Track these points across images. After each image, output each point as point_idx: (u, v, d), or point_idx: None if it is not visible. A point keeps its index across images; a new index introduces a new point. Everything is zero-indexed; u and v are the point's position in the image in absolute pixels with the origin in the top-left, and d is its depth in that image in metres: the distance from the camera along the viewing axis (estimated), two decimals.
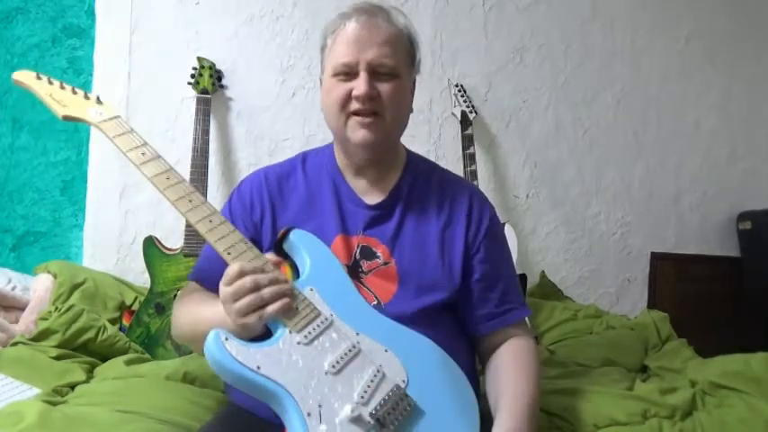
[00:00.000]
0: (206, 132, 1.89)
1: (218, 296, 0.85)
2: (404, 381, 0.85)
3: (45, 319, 1.48)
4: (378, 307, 0.99)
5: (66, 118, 0.94)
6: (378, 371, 0.84)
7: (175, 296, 1.68)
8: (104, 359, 1.48)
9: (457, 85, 2.16)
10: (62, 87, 0.97)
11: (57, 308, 1.52)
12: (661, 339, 1.66)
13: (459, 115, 2.13)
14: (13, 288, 1.65)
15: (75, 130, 2.04)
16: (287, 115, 2.12)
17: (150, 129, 2.03)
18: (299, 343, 0.82)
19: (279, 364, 0.79)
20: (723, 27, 2.40)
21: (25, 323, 1.57)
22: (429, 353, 0.92)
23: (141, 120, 2.03)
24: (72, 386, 1.29)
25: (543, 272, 2.21)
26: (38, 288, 1.67)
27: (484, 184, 2.13)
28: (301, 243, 0.95)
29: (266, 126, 2.11)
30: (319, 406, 0.78)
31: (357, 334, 0.87)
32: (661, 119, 2.38)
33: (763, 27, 2.44)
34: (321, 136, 2.08)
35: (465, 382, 0.92)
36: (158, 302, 1.71)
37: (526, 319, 1.13)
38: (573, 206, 2.32)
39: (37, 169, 2.03)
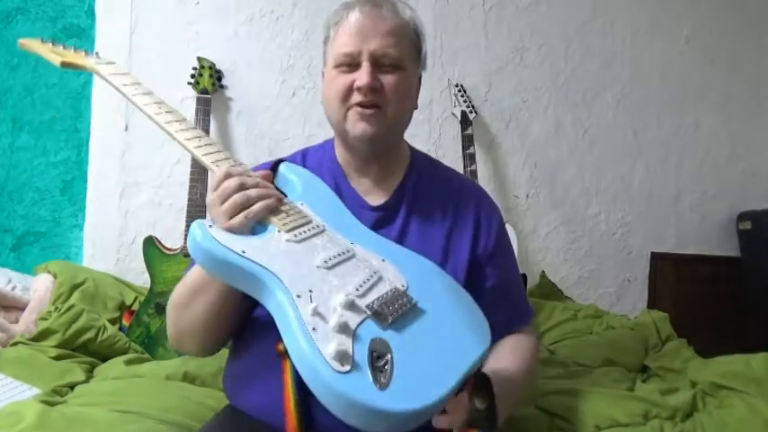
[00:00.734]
0: (206, 132, 1.89)
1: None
2: (403, 285, 0.82)
3: (45, 319, 1.48)
4: None
5: (65, 64, 0.98)
6: (375, 272, 0.81)
7: None
8: (104, 359, 1.48)
9: (457, 85, 2.16)
10: (64, 48, 1.03)
11: (57, 308, 1.52)
12: (661, 339, 1.66)
13: (459, 115, 2.13)
14: (13, 288, 1.65)
15: (75, 129, 2.04)
16: (287, 115, 2.12)
17: (150, 129, 2.02)
18: (287, 241, 0.79)
19: (266, 250, 0.76)
20: (723, 27, 2.40)
21: (25, 323, 1.57)
22: (431, 270, 0.89)
23: (141, 120, 2.02)
24: (72, 386, 1.29)
25: (543, 272, 2.21)
26: (38, 288, 1.67)
27: (484, 184, 2.13)
28: (292, 172, 0.95)
29: (266, 126, 2.11)
30: (310, 291, 0.73)
31: (351, 243, 0.85)
32: (661, 119, 2.38)
33: (763, 27, 2.44)
34: (321, 136, 2.06)
35: (474, 306, 0.88)
36: (158, 302, 1.71)
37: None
38: (573, 206, 2.32)
39: (37, 169, 2.03)
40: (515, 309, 1.06)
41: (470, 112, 2.12)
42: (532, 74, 2.28)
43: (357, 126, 0.97)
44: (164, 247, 1.79)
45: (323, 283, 0.75)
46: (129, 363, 1.43)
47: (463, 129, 2.10)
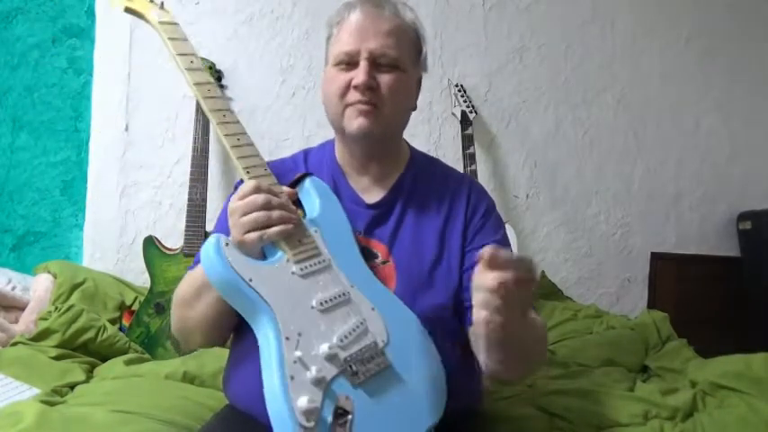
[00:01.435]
0: (206, 132, 1.89)
1: None
2: (383, 341, 0.85)
3: (45, 319, 1.48)
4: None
5: (128, 10, 1.02)
6: (362, 323, 0.84)
7: None
8: (104, 359, 1.48)
9: (457, 85, 2.16)
10: None
11: (57, 308, 1.52)
12: (661, 339, 1.66)
13: (459, 115, 2.13)
14: (13, 288, 1.65)
15: (75, 129, 2.04)
16: (287, 115, 2.12)
17: (150, 129, 2.03)
18: (293, 273, 0.83)
19: (271, 283, 0.80)
20: (723, 27, 2.40)
21: (25, 323, 1.57)
22: (412, 326, 0.91)
23: (141, 120, 2.03)
24: (72, 386, 1.29)
25: (543, 272, 2.21)
26: (38, 288, 1.67)
27: (484, 183, 2.11)
28: (315, 189, 0.96)
29: (266, 126, 2.11)
30: (299, 334, 0.78)
31: (351, 285, 0.87)
32: (661, 119, 2.38)
33: (764, 27, 2.44)
34: (321, 136, 2.06)
35: (441, 368, 0.90)
36: (158, 302, 1.71)
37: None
38: (573, 206, 2.32)
39: (37, 169, 2.03)
40: None
41: (470, 112, 2.12)
42: (532, 74, 2.28)
43: (354, 122, 0.97)
44: (164, 246, 1.79)
45: (313, 327, 0.80)
46: (129, 363, 1.43)
47: (463, 129, 2.10)
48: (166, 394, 1.22)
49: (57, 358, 1.38)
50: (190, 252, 1.76)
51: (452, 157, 2.13)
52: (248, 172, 0.87)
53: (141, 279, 1.91)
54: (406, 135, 1.11)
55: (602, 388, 1.26)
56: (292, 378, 0.74)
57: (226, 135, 0.89)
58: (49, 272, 1.73)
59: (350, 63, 0.97)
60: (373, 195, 1.04)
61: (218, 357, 1.33)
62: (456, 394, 0.90)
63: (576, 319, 1.87)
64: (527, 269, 0.71)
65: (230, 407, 0.99)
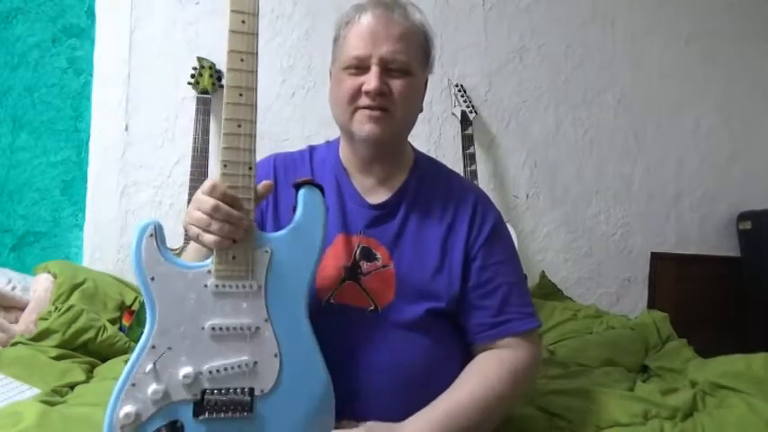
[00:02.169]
0: (206, 132, 1.89)
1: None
2: (262, 391, 0.80)
3: (45, 319, 1.48)
4: (373, 312, 0.97)
5: None
6: (249, 365, 0.79)
7: None
8: (104, 359, 1.48)
9: (457, 85, 2.16)
10: None
11: (57, 308, 1.51)
12: (661, 339, 1.66)
13: (459, 115, 2.13)
14: (13, 288, 1.65)
15: (75, 129, 2.04)
16: (287, 115, 2.12)
17: (150, 129, 2.03)
18: (205, 286, 0.79)
19: (170, 289, 0.78)
20: (723, 27, 2.41)
21: (25, 323, 1.57)
22: (314, 392, 0.83)
23: (141, 120, 2.03)
24: (72, 386, 1.28)
25: (543, 272, 2.21)
26: (38, 288, 1.67)
27: (484, 184, 2.13)
28: (304, 204, 0.87)
29: (266, 126, 2.11)
30: (168, 348, 0.77)
31: (266, 320, 0.81)
32: (661, 119, 2.38)
33: (764, 27, 2.44)
34: (321, 136, 2.07)
35: None
36: None
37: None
38: (573, 206, 2.32)
39: (37, 169, 2.03)
40: (503, 314, 0.99)
41: (470, 112, 2.12)
42: (532, 74, 2.28)
43: (364, 127, 0.97)
44: None
45: (189, 347, 0.78)
46: None
47: (463, 129, 2.10)
48: None
49: (57, 358, 1.38)
50: None
51: (452, 157, 2.13)
52: (225, 165, 0.81)
53: None
54: None
55: (602, 388, 1.26)
56: (133, 385, 0.75)
57: (227, 119, 0.81)
58: (49, 272, 1.73)
59: (360, 67, 0.97)
60: (377, 197, 1.04)
61: None
62: None
63: (575, 319, 1.87)
64: None
65: None
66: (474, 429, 0.90)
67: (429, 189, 1.06)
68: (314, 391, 0.83)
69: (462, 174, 2.00)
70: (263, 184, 0.86)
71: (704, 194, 2.41)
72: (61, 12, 2.03)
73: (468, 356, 1.02)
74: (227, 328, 0.79)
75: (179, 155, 2.02)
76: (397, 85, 0.97)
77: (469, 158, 2.05)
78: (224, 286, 0.80)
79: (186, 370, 0.77)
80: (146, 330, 0.77)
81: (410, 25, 0.99)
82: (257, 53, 0.83)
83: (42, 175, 2.04)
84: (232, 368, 0.79)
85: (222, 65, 2.04)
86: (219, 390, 0.78)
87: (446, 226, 1.02)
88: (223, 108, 0.82)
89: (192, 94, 1.97)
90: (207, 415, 0.77)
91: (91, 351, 1.48)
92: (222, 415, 0.78)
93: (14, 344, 1.43)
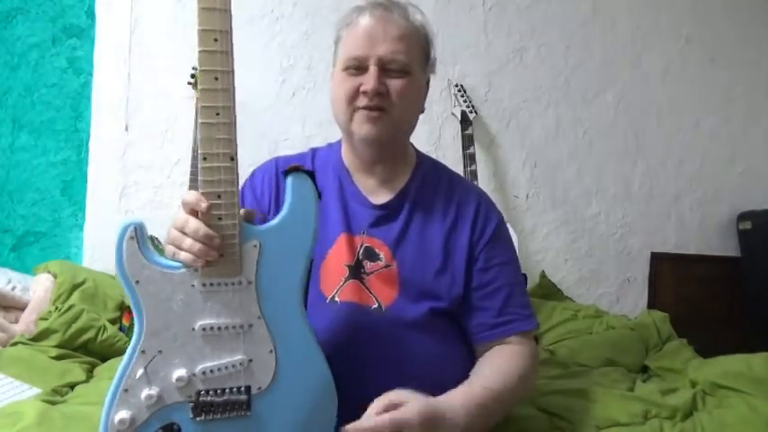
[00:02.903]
0: None
1: None
2: (260, 388, 0.78)
3: (45, 319, 1.48)
4: (377, 310, 0.97)
5: None
6: (243, 363, 0.77)
7: None
8: (104, 359, 1.48)
9: (457, 85, 2.16)
10: None
11: (57, 308, 1.52)
12: (661, 339, 1.66)
13: (459, 115, 2.13)
14: (13, 288, 1.65)
15: (75, 129, 2.04)
16: (287, 115, 2.12)
17: (150, 129, 2.03)
18: (193, 286, 0.76)
19: (157, 291, 0.75)
20: (723, 27, 2.40)
21: (25, 323, 1.56)
22: (314, 387, 0.81)
23: (141, 120, 2.03)
24: (72, 386, 1.28)
25: (543, 272, 2.21)
26: (38, 288, 1.67)
27: (484, 184, 2.13)
28: (292, 192, 0.81)
29: (266, 126, 2.11)
30: (159, 351, 0.75)
31: (259, 317, 0.78)
32: (661, 119, 2.38)
33: (764, 27, 2.44)
34: (321, 136, 2.08)
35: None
36: None
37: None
38: (573, 206, 2.32)
39: (37, 169, 2.03)
40: (504, 315, 1.00)
41: (470, 112, 2.12)
42: (532, 74, 2.28)
43: (363, 127, 0.98)
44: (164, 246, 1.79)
45: (181, 349, 0.76)
46: None
47: (463, 129, 2.10)
48: None
49: (57, 358, 1.38)
50: None
51: (452, 157, 2.13)
52: (205, 158, 0.76)
53: None
54: None
55: (602, 388, 1.26)
56: (126, 390, 0.74)
57: (204, 107, 0.75)
58: (49, 272, 1.73)
59: (359, 68, 0.97)
60: (379, 197, 1.05)
61: None
62: None
63: (576, 319, 1.87)
64: None
65: None
66: (494, 418, 0.91)
67: (432, 190, 1.07)
68: (314, 385, 0.81)
69: (462, 174, 2.00)
70: (246, 210, 0.83)
71: (704, 194, 2.41)
72: (61, 12, 2.03)
73: (470, 355, 1.03)
74: (219, 328, 0.77)
75: (179, 155, 2.02)
76: (395, 84, 0.97)
77: (469, 158, 2.05)
78: (212, 285, 0.77)
79: (179, 373, 0.75)
80: (134, 335, 0.75)
81: (409, 26, 1.00)
82: (231, 31, 0.77)
83: (42, 175, 2.04)
84: (226, 368, 0.77)
85: None
86: (215, 390, 0.76)
87: (448, 227, 1.03)
88: (199, 95, 0.77)
89: (191, 94, 1.97)
90: (204, 416, 0.76)
91: (91, 351, 1.48)
92: (220, 415, 0.77)
93: (14, 344, 1.43)
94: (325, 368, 0.82)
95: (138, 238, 0.75)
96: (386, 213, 1.03)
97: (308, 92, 2.12)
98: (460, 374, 0.95)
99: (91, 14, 2.04)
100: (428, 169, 1.10)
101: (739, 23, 2.42)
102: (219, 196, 0.77)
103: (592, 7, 2.32)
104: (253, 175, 1.11)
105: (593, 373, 1.44)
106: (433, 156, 1.20)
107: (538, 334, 1.85)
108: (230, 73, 0.77)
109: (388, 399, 0.79)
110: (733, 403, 1.16)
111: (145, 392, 0.74)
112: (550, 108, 2.29)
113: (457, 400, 0.85)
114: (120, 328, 1.67)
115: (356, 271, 0.99)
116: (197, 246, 0.75)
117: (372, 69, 0.96)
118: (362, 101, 0.97)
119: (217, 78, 0.76)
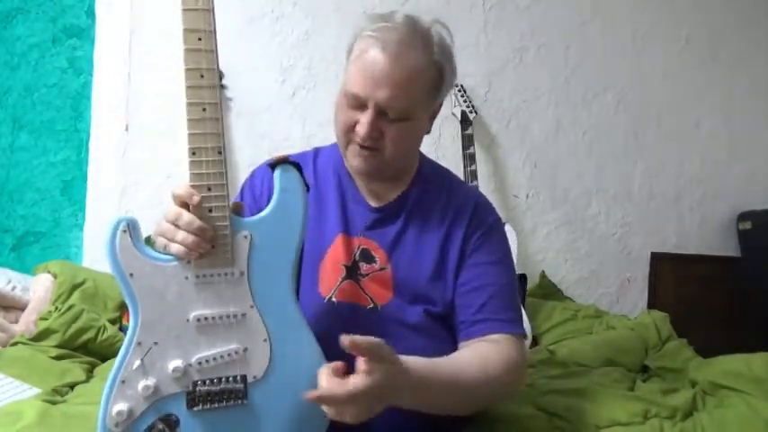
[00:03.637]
0: None
1: None
2: (255, 377, 0.80)
3: (45, 319, 1.48)
4: (373, 310, 0.98)
5: None
6: (238, 352, 0.79)
7: None
8: (104, 359, 1.48)
9: (457, 85, 2.16)
10: None
11: (57, 308, 1.52)
12: (661, 339, 1.66)
13: (459, 115, 2.13)
14: (13, 288, 1.65)
15: (75, 129, 2.04)
16: (287, 115, 2.12)
17: (150, 129, 2.03)
18: (186, 278, 0.78)
19: (151, 283, 0.77)
20: (723, 27, 2.41)
21: (25, 323, 1.57)
22: (310, 373, 0.79)
23: (141, 120, 2.03)
24: (72, 386, 1.29)
25: (543, 272, 2.21)
26: (38, 288, 1.67)
27: (484, 184, 2.13)
28: (280, 184, 0.84)
29: (266, 126, 2.11)
30: (155, 343, 0.76)
31: (252, 306, 0.80)
32: (661, 119, 2.38)
33: (764, 27, 2.44)
34: (321, 136, 2.08)
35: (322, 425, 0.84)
36: None
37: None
38: (573, 206, 2.32)
39: (37, 169, 2.03)
40: (482, 312, 0.98)
41: (470, 112, 2.12)
42: (532, 74, 2.28)
43: (355, 160, 0.98)
44: None
45: (176, 340, 0.77)
46: None
47: (463, 129, 2.10)
48: None
49: (57, 358, 1.38)
50: None
51: (452, 157, 2.13)
52: (193, 153, 0.78)
53: None
54: None
55: (602, 388, 1.26)
56: (123, 382, 0.75)
57: (191, 103, 0.78)
58: (48, 272, 1.73)
59: (358, 105, 0.95)
60: (379, 200, 1.05)
61: None
62: None
63: (575, 319, 1.88)
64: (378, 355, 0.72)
65: None
66: (451, 392, 0.87)
67: (431, 196, 1.07)
68: (309, 371, 0.81)
69: (462, 174, 2.00)
70: (234, 203, 0.84)
71: (704, 194, 2.41)
72: (61, 12, 2.03)
73: None
74: (213, 318, 0.79)
75: (179, 155, 2.01)
76: (391, 129, 0.95)
77: (469, 158, 2.05)
78: (205, 276, 0.79)
79: (175, 363, 0.77)
80: (130, 327, 0.76)
81: (422, 64, 0.96)
82: (215, 30, 0.79)
83: (42, 175, 2.04)
84: (222, 357, 0.79)
85: (223, 65, 2.05)
86: (211, 380, 0.78)
87: (444, 233, 1.03)
88: (185, 92, 0.78)
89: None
90: (201, 406, 0.77)
91: (91, 351, 1.48)
92: (216, 405, 0.78)
93: (14, 344, 1.43)
94: (319, 353, 0.84)
95: (130, 231, 0.77)
96: (384, 216, 1.03)
97: (308, 92, 2.12)
98: None
99: (91, 14, 2.04)
100: (429, 175, 1.10)
101: (739, 23, 2.42)
102: (210, 189, 0.79)
103: (592, 7, 2.32)
104: (252, 175, 1.11)
105: (593, 372, 1.44)
106: (433, 156, 1.20)
107: (537, 334, 1.85)
108: (215, 70, 0.79)
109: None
110: (733, 403, 1.17)
111: (142, 384, 0.75)
112: (550, 108, 2.29)
113: (411, 364, 0.82)
114: (121, 328, 1.67)
115: (352, 272, 1.00)
116: (190, 238, 0.77)
117: (369, 112, 0.93)
118: (357, 137, 0.96)
119: (202, 76, 0.78)
